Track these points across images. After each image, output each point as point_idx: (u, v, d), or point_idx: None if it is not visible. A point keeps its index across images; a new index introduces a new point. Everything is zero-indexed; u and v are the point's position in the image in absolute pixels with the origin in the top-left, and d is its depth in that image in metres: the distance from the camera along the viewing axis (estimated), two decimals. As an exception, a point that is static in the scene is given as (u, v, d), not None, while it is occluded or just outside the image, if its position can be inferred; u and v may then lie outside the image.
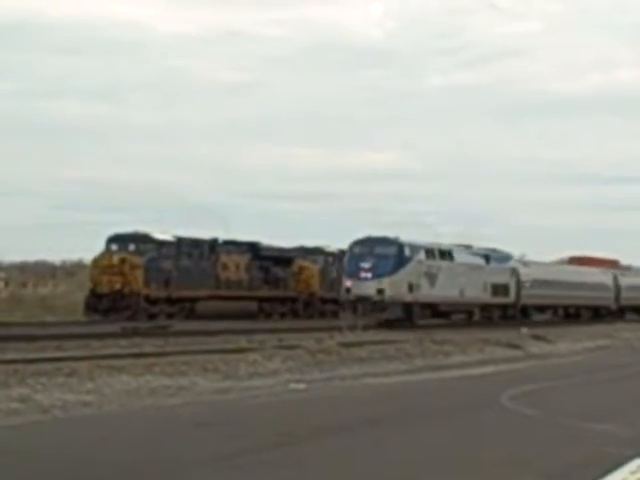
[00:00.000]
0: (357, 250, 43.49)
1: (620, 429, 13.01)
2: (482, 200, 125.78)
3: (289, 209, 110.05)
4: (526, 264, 57.52)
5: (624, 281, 67.52)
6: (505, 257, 53.37)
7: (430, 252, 45.28)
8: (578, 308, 62.02)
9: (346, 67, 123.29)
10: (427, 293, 43.84)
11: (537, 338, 36.79)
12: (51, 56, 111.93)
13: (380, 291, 41.72)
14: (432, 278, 44.59)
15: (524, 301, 54.43)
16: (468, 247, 50.11)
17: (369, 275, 42.15)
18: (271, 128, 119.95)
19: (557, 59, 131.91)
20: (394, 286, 42.03)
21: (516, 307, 52.91)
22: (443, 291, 45.00)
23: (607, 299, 64.60)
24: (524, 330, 39.25)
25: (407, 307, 42.57)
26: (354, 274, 42.42)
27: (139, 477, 9.30)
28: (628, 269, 74.47)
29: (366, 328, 36.40)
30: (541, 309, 58.78)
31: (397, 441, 12.04)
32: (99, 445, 11.32)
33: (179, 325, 36.77)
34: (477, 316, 49.20)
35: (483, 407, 16.04)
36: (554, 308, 60.51)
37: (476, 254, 50.33)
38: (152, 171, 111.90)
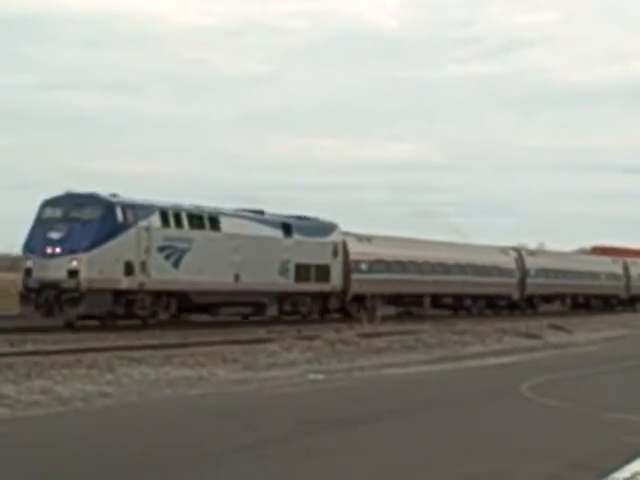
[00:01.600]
0: (47, 214, 31.04)
1: (639, 418, 12.99)
2: (501, 190, 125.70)
3: (309, 199, 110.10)
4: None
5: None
6: (323, 228, 40.66)
7: (170, 217, 32.64)
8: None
9: (364, 58, 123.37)
10: (167, 278, 32.08)
11: (556, 328, 36.72)
12: (70, 49, 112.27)
13: (73, 273, 29.41)
14: (176, 255, 32.75)
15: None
16: (259, 213, 37.98)
17: (58, 250, 29.80)
18: (291, 119, 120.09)
19: (574, 49, 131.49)
20: (95, 265, 29.69)
21: (346, 295, 41.56)
22: (197, 274, 33.12)
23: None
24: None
25: (123, 297, 30.83)
26: (38, 249, 30.09)
27: (160, 467, 9.33)
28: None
29: (384, 319, 36.40)
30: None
31: (418, 431, 12.05)
32: (119, 436, 11.38)
33: (200, 317, 36.72)
34: (274, 310, 37.54)
35: (503, 397, 16.03)
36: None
37: (267, 222, 37.86)
38: (171, 163, 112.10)
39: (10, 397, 14.40)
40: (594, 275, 61.34)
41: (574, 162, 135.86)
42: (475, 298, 51.44)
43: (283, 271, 37.59)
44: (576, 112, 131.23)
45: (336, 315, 41.17)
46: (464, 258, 51.13)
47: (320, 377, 18.87)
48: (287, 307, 38.27)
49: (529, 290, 55.44)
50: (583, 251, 76.11)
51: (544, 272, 57.20)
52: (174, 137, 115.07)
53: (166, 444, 10.73)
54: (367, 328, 30.93)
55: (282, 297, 37.78)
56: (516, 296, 54.82)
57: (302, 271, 38.55)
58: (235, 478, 8.94)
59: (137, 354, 20.04)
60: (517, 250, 57.15)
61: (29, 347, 22.62)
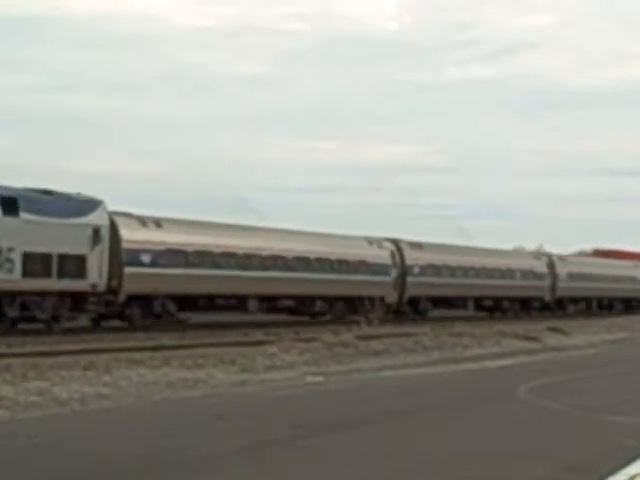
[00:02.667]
0: None
1: (637, 422, 12.98)
2: (500, 193, 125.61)
3: (308, 202, 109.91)
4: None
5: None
6: (76, 206, 31.38)
7: None
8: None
9: (363, 60, 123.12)
10: None
11: (554, 330, 36.73)
12: (69, 50, 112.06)
13: None
14: None
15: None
16: None
17: None
18: (290, 122, 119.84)
19: (574, 52, 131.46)
20: None
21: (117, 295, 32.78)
22: None
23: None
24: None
25: None
26: None
27: (157, 469, 9.32)
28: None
29: (383, 321, 36.41)
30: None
31: (416, 434, 12.04)
32: (117, 438, 11.36)
33: (196, 318, 36.72)
34: None
35: (501, 400, 16.02)
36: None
37: None
38: (170, 165, 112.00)
39: (8, 398, 14.39)
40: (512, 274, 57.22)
41: (574, 165, 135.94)
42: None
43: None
44: (576, 115, 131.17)
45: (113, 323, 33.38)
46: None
47: (319, 379, 18.86)
48: (12, 312, 29.10)
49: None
50: (581, 254, 76.12)
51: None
52: (173, 138, 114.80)
53: (164, 446, 10.71)
54: (365, 330, 30.92)
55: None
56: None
57: (35, 263, 29.29)
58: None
59: (135, 355, 20.05)
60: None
61: (27, 348, 22.63)
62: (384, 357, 24.10)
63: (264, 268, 38.68)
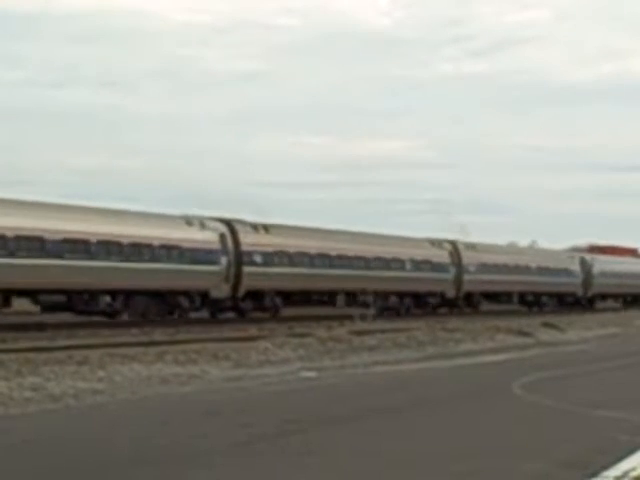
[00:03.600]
0: None
1: (631, 416, 12.99)
2: (494, 188, 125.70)
3: (300, 197, 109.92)
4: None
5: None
6: None
7: None
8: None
9: (356, 56, 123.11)
10: None
11: (548, 326, 36.77)
12: (62, 45, 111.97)
13: None
14: None
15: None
16: None
17: None
18: (282, 117, 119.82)
19: (567, 48, 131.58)
20: None
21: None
22: None
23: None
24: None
25: None
26: None
27: (151, 464, 9.32)
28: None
29: (377, 317, 36.44)
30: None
31: (409, 429, 12.04)
32: (111, 433, 11.36)
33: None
34: None
35: (494, 395, 16.04)
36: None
37: None
38: (163, 160, 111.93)
39: (2, 394, 14.38)
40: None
41: (567, 161, 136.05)
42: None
43: None
44: (569, 110, 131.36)
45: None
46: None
47: (312, 375, 18.87)
48: None
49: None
50: (575, 249, 76.20)
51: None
52: (165, 134, 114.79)
53: (157, 441, 10.71)
54: (359, 325, 30.96)
55: None
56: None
57: None
58: (226, 475, 8.93)
59: (129, 351, 20.03)
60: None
61: (20, 344, 22.61)
62: (378, 352, 24.11)
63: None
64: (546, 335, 33.36)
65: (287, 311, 40.81)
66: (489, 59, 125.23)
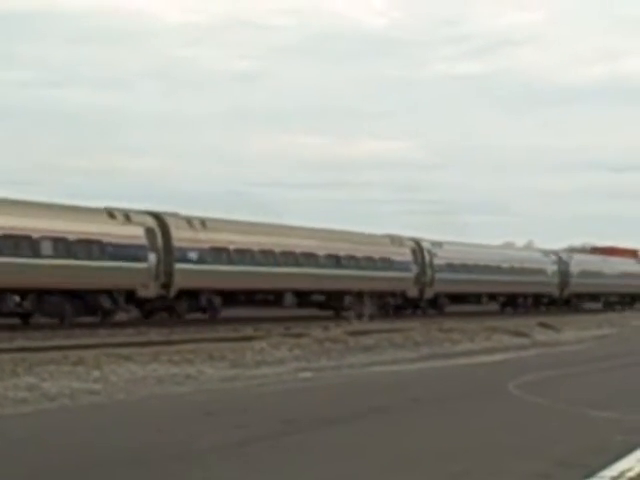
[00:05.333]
0: None
1: (627, 417, 12.98)
2: (490, 188, 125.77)
3: (296, 197, 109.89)
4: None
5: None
6: None
7: None
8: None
9: (352, 56, 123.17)
10: None
11: (544, 326, 36.80)
12: (59, 46, 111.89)
13: None
14: None
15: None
16: None
17: None
18: (278, 117, 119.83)
19: (562, 49, 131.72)
20: None
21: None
22: None
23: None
24: None
25: None
26: None
27: (147, 465, 9.29)
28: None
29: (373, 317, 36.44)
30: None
31: (405, 430, 12.02)
32: (107, 433, 11.33)
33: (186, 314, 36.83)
34: None
35: (491, 395, 16.02)
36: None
37: None
38: (160, 160, 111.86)
39: (-3, 394, 14.35)
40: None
41: (563, 161, 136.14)
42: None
43: None
44: (564, 111, 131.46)
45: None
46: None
47: (308, 375, 18.86)
48: None
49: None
50: (571, 249, 76.26)
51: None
52: (162, 133, 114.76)
53: (153, 441, 10.69)
54: (355, 326, 30.94)
55: None
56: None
57: None
58: (222, 475, 8.90)
59: (124, 351, 20.01)
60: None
61: (16, 344, 22.58)
62: (374, 353, 24.10)
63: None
64: (542, 335, 33.37)
65: (229, 312, 38.69)
66: (484, 60, 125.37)
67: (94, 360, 18.29)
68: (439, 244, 51.90)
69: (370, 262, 46.56)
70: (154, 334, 28.36)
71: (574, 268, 64.17)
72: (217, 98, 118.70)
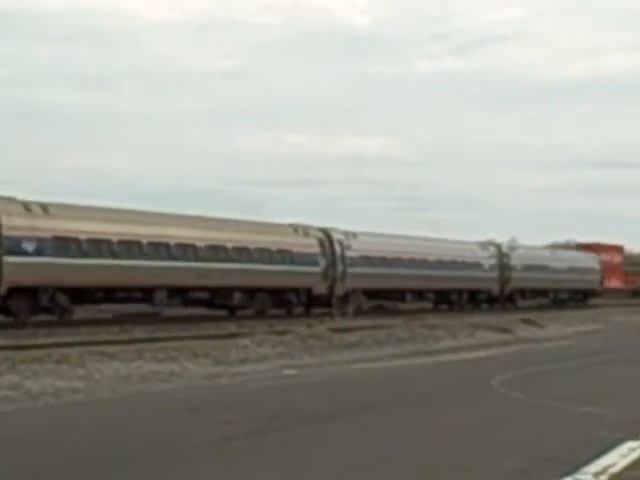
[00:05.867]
0: None
1: (610, 412, 13.03)
2: (471, 186, 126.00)
3: (278, 195, 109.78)
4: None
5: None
6: None
7: None
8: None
9: (335, 54, 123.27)
10: None
11: (527, 322, 36.88)
12: (40, 44, 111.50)
13: None
14: None
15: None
16: None
17: None
18: (260, 114, 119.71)
19: (546, 45, 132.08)
20: None
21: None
22: None
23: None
24: None
25: None
26: None
27: (131, 462, 9.28)
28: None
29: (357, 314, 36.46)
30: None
31: (389, 427, 12.04)
32: (91, 432, 11.31)
33: (169, 311, 36.76)
34: None
35: (474, 391, 16.05)
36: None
37: None
38: (143, 159, 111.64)
39: (-20, 392, 14.30)
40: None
41: (546, 158, 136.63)
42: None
43: None
44: (548, 108, 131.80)
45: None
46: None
47: (292, 372, 18.86)
48: None
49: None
50: (554, 246, 76.43)
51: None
52: (146, 133, 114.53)
53: (138, 439, 10.68)
54: (339, 323, 30.97)
55: None
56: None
57: None
58: (206, 472, 8.91)
59: (108, 349, 19.97)
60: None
61: (-1, 342, 22.50)
62: (358, 349, 24.13)
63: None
64: (526, 332, 33.45)
65: (88, 312, 34.57)
66: (468, 57, 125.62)
67: (78, 358, 18.25)
68: (353, 234, 46.65)
69: (265, 254, 41.60)
70: (138, 331, 28.32)
71: (517, 261, 59.75)
72: (200, 96, 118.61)
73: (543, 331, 34.68)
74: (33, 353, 18.72)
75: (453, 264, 53.16)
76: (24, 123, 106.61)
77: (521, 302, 59.06)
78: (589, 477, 8.57)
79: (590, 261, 69.81)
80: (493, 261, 57.86)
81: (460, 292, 54.06)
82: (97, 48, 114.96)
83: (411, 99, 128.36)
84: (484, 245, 58.43)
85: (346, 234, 46.02)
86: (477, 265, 56.06)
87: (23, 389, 14.93)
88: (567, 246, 77.03)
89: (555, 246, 75.36)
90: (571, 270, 65.30)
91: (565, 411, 13.45)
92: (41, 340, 23.85)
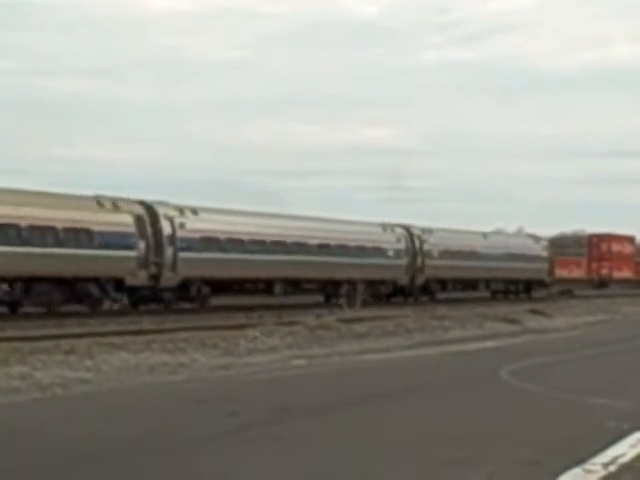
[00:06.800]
0: None
1: (619, 403, 13.01)
2: (479, 176, 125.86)
3: (287, 185, 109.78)
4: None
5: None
6: None
7: None
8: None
9: (342, 44, 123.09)
10: None
11: (536, 313, 36.84)
12: (47, 34, 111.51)
13: None
14: None
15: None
16: None
17: None
18: (268, 105, 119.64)
19: (553, 35, 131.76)
20: None
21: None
22: None
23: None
24: None
25: None
26: None
27: (140, 453, 9.29)
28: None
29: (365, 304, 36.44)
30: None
31: (397, 417, 12.04)
32: (99, 422, 11.32)
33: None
34: None
35: (483, 382, 16.04)
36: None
37: None
38: (151, 149, 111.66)
39: (-11, 383, 14.34)
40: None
41: (555, 148, 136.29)
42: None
43: None
44: (556, 98, 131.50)
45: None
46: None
47: (301, 362, 18.86)
48: None
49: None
50: (562, 236, 76.30)
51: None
52: (154, 123, 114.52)
53: (146, 430, 10.69)
54: (348, 313, 30.96)
55: None
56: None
57: None
58: (216, 463, 8.91)
59: (116, 340, 19.99)
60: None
61: (9, 333, 22.55)
62: (366, 340, 24.12)
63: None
64: (534, 322, 33.42)
65: None
66: (475, 47, 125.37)
67: (86, 349, 18.27)
68: (193, 211, 38.93)
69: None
70: (146, 323, 28.34)
71: (433, 246, 51.17)
72: (208, 87, 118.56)
73: (551, 322, 34.63)
74: (42, 344, 18.75)
75: (345, 250, 45.09)
76: (31, 113, 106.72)
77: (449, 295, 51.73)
78: (598, 467, 8.56)
79: (535, 248, 62.45)
80: (401, 246, 49.47)
81: (352, 282, 44.12)
82: (103, 38, 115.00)
83: (420, 89, 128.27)
84: (388, 227, 49.48)
85: (181, 209, 38.83)
86: (377, 250, 47.60)
87: (32, 380, 14.95)
88: (575, 237, 76.65)
89: (563, 237, 74.99)
90: (509, 257, 57.61)
91: (574, 401, 13.43)
92: (50, 331, 23.88)
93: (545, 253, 63.23)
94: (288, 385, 15.76)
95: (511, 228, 72.40)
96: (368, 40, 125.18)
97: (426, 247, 50.91)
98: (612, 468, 8.57)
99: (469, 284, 54.67)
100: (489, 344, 24.49)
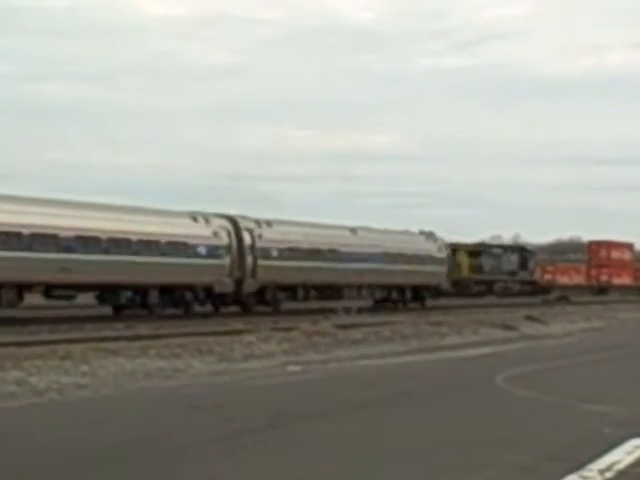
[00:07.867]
0: None
1: (615, 410, 13.02)
2: (476, 182, 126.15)
3: (282, 190, 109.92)
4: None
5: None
6: None
7: None
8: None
9: (338, 50, 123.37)
10: None
11: (532, 319, 36.85)
12: (44, 39, 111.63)
13: None
14: None
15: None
16: None
17: None
18: (263, 110, 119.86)
19: (547, 42, 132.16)
20: None
21: None
22: None
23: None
24: None
25: None
26: None
27: (136, 459, 9.28)
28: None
29: (361, 310, 36.45)
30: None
31: (393, 422, 12.03)
32: (95, 428, 11.30)
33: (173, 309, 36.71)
34: None
35: (478, 388, 16.04)
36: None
37: None
38: (145, 154, 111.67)
39: (-16, 389, 14.32)
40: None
41: (552, 154, 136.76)
42: None
43: None
44: (551, 104, 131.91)
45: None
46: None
47: (297, 368, 18.86)
48: None
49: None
50: (559, 243, 76.38)
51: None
52: (148, 128, 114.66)
53: (142, 435, 10.67)
54: (343, 319, 30.96)
55: None
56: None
57: None
58: (210, 469, 8.89)
59: (112, 345, 19.98)
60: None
61: (4, 338, 22.53)
62: (362, 346, 24.12)
63: None
64: (530, 329, 33.41)
65: None
66: (471, 53, 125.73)
67: (82, 354, 18.26)
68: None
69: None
70: (142, 328, 28.33)
71: (272, 244, 42.08)
72: (202, 92, 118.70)
73: (547, 328, 34.63)
74: (37, 349, 18.73)
75: (127, 248, 35.51)
76: (26, 117, 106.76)
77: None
78: (595, 474, 8.56)
79: (427, 247, 53.13)
80: (221, 242, 39.62)
81: (145, 288, 35.99)
82: (98, 43, 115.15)
83: (415, 95, 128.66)
84: (201, 217, 39.73)
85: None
86: (182, 248, 37.76)
87: (28, 385, 14.93)
88: (571, 243, 76.74)
89: (559, 244, 75.07)
90: (389, 258, 48.68)
91: (570, 408, 13.43)
92: (46, 336, 23.86)
93: (442, 254, 54.25)
94: (284, 391, 15.74)
95: (508, 234, 72.42)
96: (364, 46, 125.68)
97: (261, 244, 41.42)
98: (608, 475, 8.57)
99: (330, 290, 44.62)
100: (485, 350, 24.50)
